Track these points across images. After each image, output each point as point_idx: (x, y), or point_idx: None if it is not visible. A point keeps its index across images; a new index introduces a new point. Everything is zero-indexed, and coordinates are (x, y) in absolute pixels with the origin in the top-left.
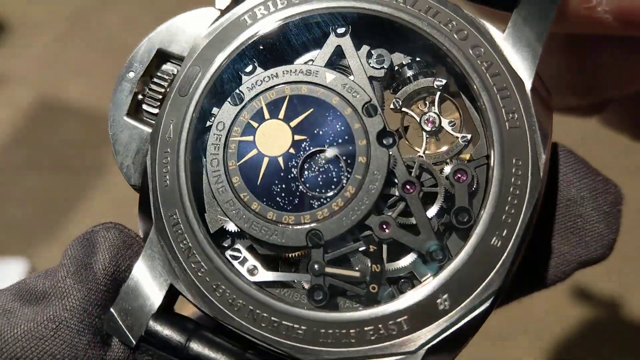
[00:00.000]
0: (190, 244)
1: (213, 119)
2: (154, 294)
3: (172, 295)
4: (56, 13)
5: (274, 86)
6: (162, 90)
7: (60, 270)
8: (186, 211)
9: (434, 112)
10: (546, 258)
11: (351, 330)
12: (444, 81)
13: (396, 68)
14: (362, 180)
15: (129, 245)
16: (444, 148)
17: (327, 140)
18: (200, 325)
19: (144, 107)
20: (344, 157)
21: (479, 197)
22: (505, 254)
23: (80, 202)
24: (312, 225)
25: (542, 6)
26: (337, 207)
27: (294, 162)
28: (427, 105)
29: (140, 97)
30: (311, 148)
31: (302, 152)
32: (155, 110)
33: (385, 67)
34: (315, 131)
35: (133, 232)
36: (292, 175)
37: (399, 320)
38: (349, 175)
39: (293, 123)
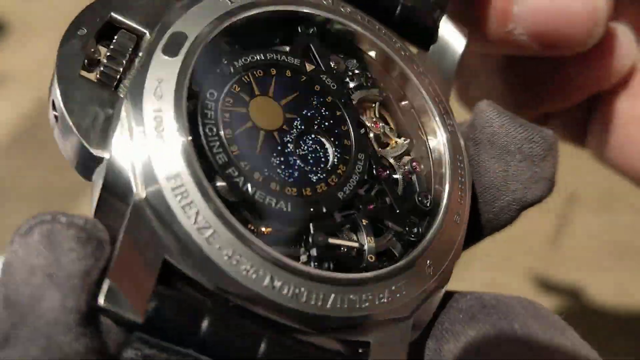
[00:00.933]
0: (198, 208)
1: (200, 87)
2: (146, 272)
3: (167, 271)
4: (56, 13)
5: (261, 65)
6: (120, 68)
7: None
8: (196, 172)
9: (376, 117)
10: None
11: (364, 294)
12: (384, 94)
13: (350, 73)
14: (349, 160)
15: (88, 239)
16: (387, 149)
17: (315, 122)
18: (214, 302)
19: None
20: (332, 139)
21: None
22: (462, 230)
23: (81, 202)
24: (314, 197)
25: (453, 44)
26: (332, 182)
27: (288, 138)
28: (370, 111)
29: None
30: (302, 127)
31: (294, 130)
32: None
33: (341, 70)
34: (304, 112)
35: (80, 219)
36: (289, 149)
37: (399, 284)
38: (338, 155)
39: (283, 102)
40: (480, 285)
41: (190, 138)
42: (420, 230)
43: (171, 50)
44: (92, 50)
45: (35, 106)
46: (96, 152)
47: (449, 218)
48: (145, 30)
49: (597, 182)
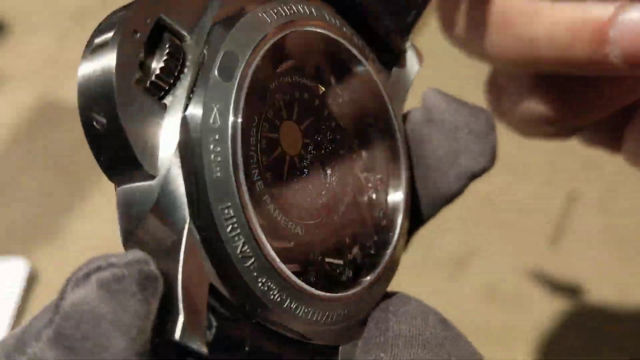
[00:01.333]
0: (245, 239)
1: (245, 112)
2: (201, 302)
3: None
4: (56, 13)
5: (288, 87)
6: (172, 80)
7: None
8: (245, 202)
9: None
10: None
11: (347, 309)
12: (358, 110)
13: None
14: (344, 184)
15: (145, 279)
16: (357, 163)
17: (323, 147)
18: (243, 320)
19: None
20: (332, 163)
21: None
22: (404, 241)
23: (81, 202)
24: (319, 220)
25: (409, 70)
26: (331, 205)
27: (304, 163)
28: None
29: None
30: (314, 152)
31: (309, 155)
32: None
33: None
34: (315, 137)
35: (131, 255)
36: (305, 175)
37: (366, 297)
38: (335, 180)
39: (302, 126)
40: (479, 285)
41: (243, 168)
42: (378, 244)
43: (226, 73)
44: (142, 55)
45: (35, 106)
46: (150, 170)
47: (401, 234)
48: (187, 35)
49: (598, 180)
